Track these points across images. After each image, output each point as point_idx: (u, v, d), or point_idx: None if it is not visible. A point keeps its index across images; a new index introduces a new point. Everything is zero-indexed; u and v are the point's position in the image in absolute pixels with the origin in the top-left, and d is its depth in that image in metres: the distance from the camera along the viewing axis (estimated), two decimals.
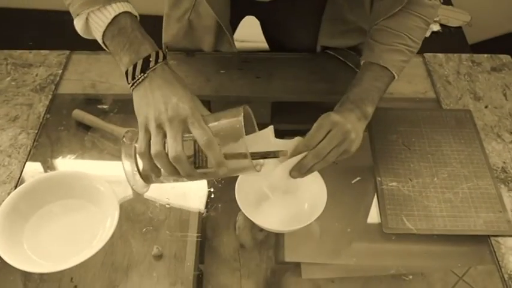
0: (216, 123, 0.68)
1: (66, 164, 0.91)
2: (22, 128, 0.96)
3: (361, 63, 0.89)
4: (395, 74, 0.86)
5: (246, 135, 0.67)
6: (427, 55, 1.14)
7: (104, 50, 1.11)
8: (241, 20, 1.15)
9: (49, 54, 1.12)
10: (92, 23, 0.73)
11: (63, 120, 0.98)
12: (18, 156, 0.92)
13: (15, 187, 0.86)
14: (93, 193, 0.81)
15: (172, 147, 0.65)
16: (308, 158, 0.75)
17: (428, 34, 2.25)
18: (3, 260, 0.72)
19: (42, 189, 0.81)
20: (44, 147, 0.94)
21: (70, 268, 0.72)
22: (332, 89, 1.03)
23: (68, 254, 0.75)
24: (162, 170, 0.69)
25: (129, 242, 0.81)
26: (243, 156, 0.67)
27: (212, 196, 0.87)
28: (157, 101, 0.68)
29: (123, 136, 0.75)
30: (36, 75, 1.07)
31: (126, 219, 0.83)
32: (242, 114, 0.67)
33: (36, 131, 0.96)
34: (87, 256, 0.72)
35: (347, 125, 0.76)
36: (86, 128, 0.97)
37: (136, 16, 0.75)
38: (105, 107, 1.01)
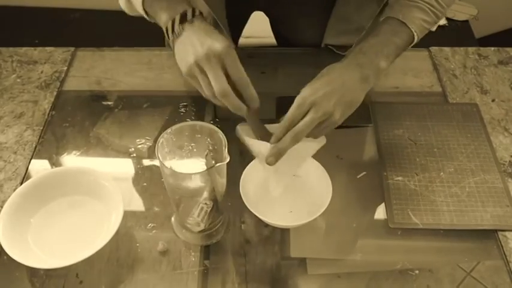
0: None
1: (72, 160, 0.92)
2: (27, 124, 0.97)
3: (380, 20, 0.86)
4: (414, 33, 0.82)
5: None
6: (433, 49, 1.13)
7: (109, 46, 1.13)
8: (249, 15, 1.15)
9: (54, 51, 1.12)
10: None
11: (68, 116, 0.99)
12: (24, 153, 0.92)
13: (21, 183, 0.86)
14: (98, 189, 0.82)
15: (216, 84, 0.69)
16: (286, 141, 0.74)
17: (434, 28, 2.23)
18: (9, 256, 0.72)
19: (47, 186, 0.81)
20: (49, 143, 0.94)
21: (75, 264, 0.72)
22: None
23: (73, 250, 0.75)
24: None
25: (134, 237, 0.81)
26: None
27: None
28: (195, 45, 0.71)
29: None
30: (42, 72, 1.07)
31: (131, 215, 0.83)
32: None
33: (42, 128, 0.96)
34: (92, 252, 0.73)
35: (326, 106, 0.74)
36: (91, 124, 0.97)
37: None
38: (110, 103, 1.01)
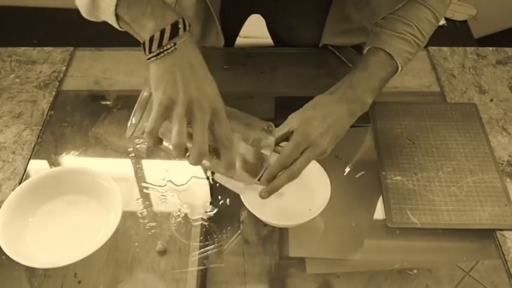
0: (246, 131, 0.69)
1: (70, 160, 0.92)
2: (26, 124, 0.97)
3: (366, 49, 0.86)
4: (399, 65, 0.83)
5: None
6: (432, 49, 1.13)
7: (108, 46, 1.13)
8: (246, 18, 1.15)
9: (53, 51, 1.12)
10: None
11: (67, 116, 0.99)
12: (23, 153, 0.92)
13: (20, 183, 0.86)
14: (96, 188, 0.82)
15: (200, 142, 0.60)
16: (282, 180, 0.74)
17: None
18: (8, 256, 0.72)
19: (45, 185, 0.81)
20: (48, 143, 0.94)
21: (74, 264, 0.72)
22: (335, 84, 1.02)
23: (71, 250, 0.75)
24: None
25: (133, 237, 0.81)
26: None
27: (216, 192, 0.87)
28: (188, 84, 0.61)
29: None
30: (40, 72, 1.07)
31: (129, 215, 0.83)
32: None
33: (40, 128, 0.96)
34: (90, 251, 0.73)
35: (323, 144, 0.75)
36: (90, 123, 0.97)
37: None
38: (108, 103, 1.01)
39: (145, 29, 0.63)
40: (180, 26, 0.62)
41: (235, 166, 0.65)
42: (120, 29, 0.68)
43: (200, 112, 0.61)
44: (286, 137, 0.77)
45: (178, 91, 0.61)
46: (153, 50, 0.62)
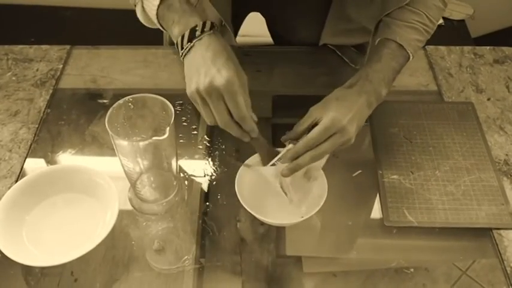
0: None
1: (67, 158, 0.91)
2: (23, 122, 0.96)
3: (377, 40, 0.87)
4: (410, 54, 0.84)
5: None
6: (429, 48, 1.13)
7: (105, 44, 1.13)
8: (246, 16, 1.15)
9: (50, 49, 1.12)
10: (147, 9, 0.79)
11: (64, 114, 0.98)
12: (19, 151, 0.91)
13: (16, 182, 0.86)
14: (93, 187, 0.81)
15: (217, 116, 0.72)
16: (305, 159, 0.75)
17: None
18: (4, 254, 0.72)
19: (42, 183, 0.81)
20: (44, 141, 0.94)
21: (70, 262, 0.72)
22: (333, 82, 1.02)
23: (68, 248, 0.75)
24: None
25: (129, 236, 0.81)
26: None
27: (213, 190, 0.87)
28: (199, 73, 0.70)
29: None
30: (37, 70, 1.07)
31: (126, 213, 0.83)
32: None
33: (37, 126, 0.96)
34: (87, 250, 0.72)
35: (351, 132, 0.76)
36: (87, 122, 0.97)
37: None
38: (105, 101, 1.01)
39: (173, 36, 0.75)
40: (198, 28, 0.72)
41: (256, 130, 0.75)
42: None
43: (208, 95, 0.70)
44: (309, 130, 0.77)
45: (192, 83, 0.71)
46: (180, 53, 0.74)
